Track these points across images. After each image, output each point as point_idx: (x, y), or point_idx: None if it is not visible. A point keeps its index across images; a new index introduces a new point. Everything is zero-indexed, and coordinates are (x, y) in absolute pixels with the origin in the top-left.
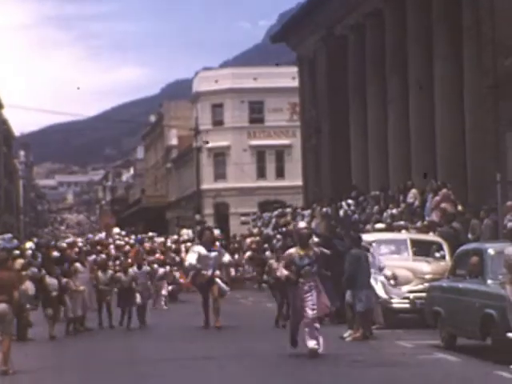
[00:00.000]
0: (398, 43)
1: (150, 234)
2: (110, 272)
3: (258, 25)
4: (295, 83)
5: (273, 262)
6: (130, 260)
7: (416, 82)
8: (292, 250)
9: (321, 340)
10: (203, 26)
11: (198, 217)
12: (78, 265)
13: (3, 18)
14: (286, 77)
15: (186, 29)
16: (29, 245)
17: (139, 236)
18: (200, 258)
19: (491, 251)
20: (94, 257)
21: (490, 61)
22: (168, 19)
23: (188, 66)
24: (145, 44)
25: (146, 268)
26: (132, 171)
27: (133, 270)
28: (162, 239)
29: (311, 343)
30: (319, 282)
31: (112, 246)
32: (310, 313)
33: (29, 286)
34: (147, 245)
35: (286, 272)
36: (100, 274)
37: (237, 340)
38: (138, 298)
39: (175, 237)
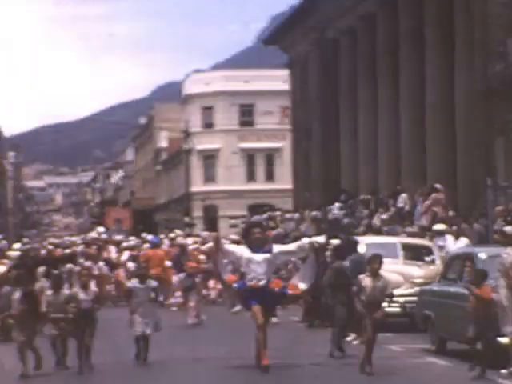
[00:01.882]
0: (390, 47)
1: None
2: (66, 292)
3: (249, 27)
4: (286, 86)
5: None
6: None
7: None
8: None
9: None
10: (194, 29)
11: (186, 219)
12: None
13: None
14: (277, 80)
15: (177, 31)
16: (17, 246)
17: (154, 237)
18: (242, 262)
19: (482, 255)
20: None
21: (481, 66)
22: (160, 22)
23: (179, 68)
24: (135, 46)
25: (151, 282)
26: (121, 173)
27: (132, 283)
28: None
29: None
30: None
31: (115, 250)
32: None
33: None
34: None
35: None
36: (50, 294)
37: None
38: (140, 327)
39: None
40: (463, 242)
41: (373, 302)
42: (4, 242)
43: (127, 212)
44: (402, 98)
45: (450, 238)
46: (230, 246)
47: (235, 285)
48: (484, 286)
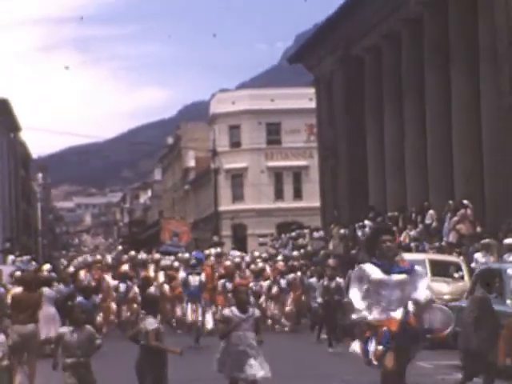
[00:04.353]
0: (414, 64)
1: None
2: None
3: (274, 46)
4: (312, 104)
5: None
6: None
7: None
8: None
9: None
10: (220, 48)
11: (215, 238)
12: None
13: (25, 39)
14: (303, 98)
15: (203, 51)
16: (46, 267)
17: (198, 252)
18: (370, 287)
19: (510, 271)
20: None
21: (506, 81)
22: (185, 41)
23: (205, 87)
24: (162, 66)
25: (254, 311)
26: (149, 193)
27: (231, 311)
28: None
29: None
30: None
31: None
32: None
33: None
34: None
35: None
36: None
37: None
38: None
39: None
40: None
41: None
42: (34, 263)
43: (185, 225)
44: (428, 114)
45: None
46: (355, 293)
47: (380, 347)
48: None
